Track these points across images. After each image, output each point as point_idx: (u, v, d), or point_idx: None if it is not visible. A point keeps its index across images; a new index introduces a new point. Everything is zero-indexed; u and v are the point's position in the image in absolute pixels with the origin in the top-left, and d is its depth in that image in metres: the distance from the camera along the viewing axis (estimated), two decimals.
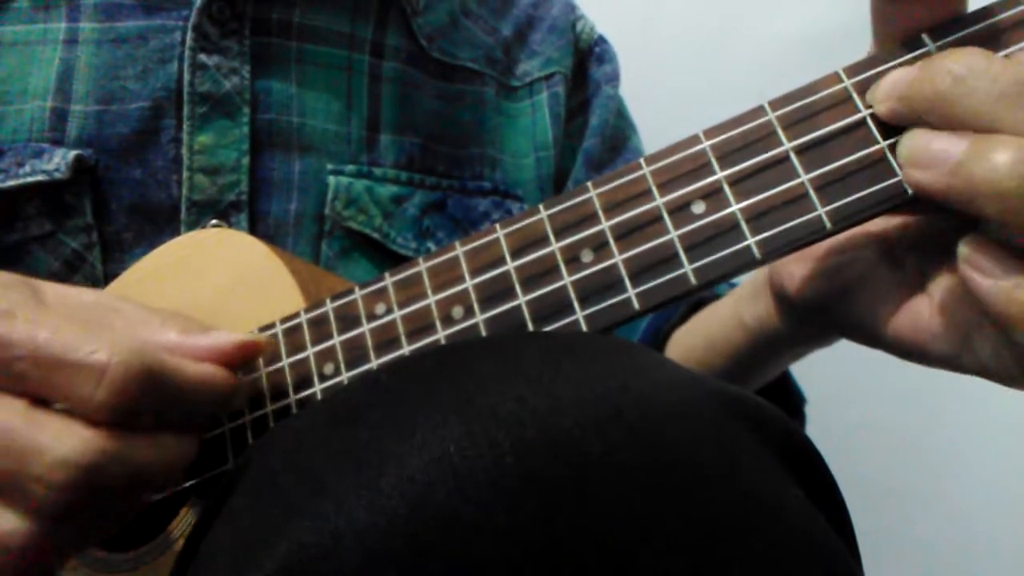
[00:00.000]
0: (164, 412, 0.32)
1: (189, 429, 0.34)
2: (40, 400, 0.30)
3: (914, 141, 0.30)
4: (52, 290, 0.34)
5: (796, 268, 0.41)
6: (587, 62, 0.68)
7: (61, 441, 0.29)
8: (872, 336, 0.38)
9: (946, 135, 0.29)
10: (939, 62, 0.29)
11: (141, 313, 0.35)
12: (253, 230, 0.54)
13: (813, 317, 0.42)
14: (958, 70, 0.28)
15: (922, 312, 0.35)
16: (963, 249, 0.30)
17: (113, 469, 0.30)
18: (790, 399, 0.57)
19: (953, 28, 0.32)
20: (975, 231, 0.30)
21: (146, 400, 0.30)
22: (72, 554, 0.33)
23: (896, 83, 0.31)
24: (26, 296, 0.32)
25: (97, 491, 0.30)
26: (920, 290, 0.36)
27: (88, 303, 0.34)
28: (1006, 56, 0.30)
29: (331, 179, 0.55)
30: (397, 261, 0.56)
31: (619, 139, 0.68)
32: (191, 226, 0.52)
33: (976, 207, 0.28)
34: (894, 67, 0.32)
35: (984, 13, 0.31)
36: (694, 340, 0.55)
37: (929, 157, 0.29)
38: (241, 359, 0.35)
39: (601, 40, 0.69)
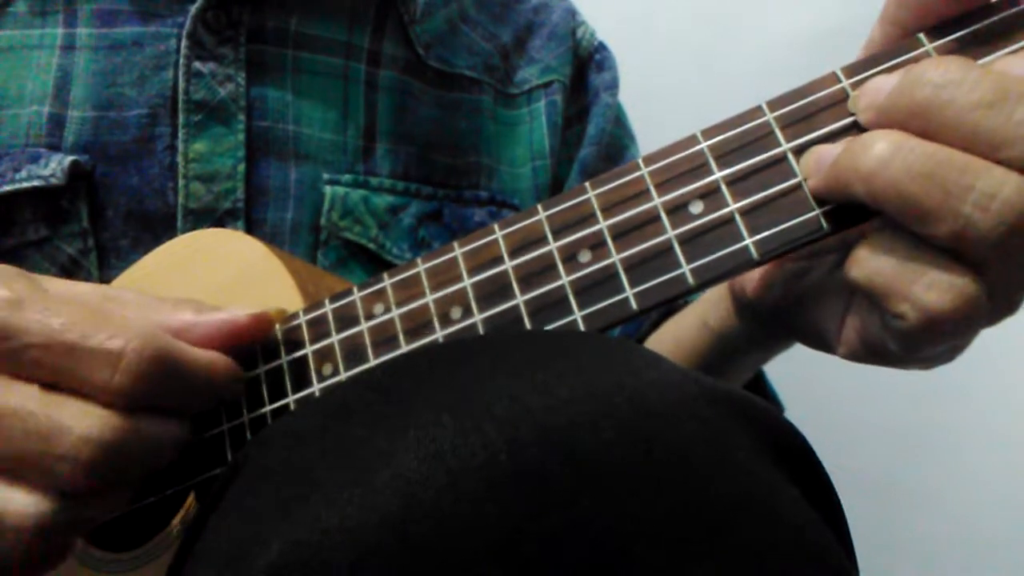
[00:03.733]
0: (176, 394, 0.33)
1: (187, 411, 0.35)
2: (50, 385, 0.31)
3: (807, 155, 0.32)
4: (51, 282, 0.35)
5: (755, 272, 0.41)
6: (587, 69, 0.68)
7: (83, 419, 0.30)
8: (823, 341, 0.39)
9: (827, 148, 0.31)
10: (919, 71, 0.29)
11: (148, 298, 0.36)
12: None
13: (770, 320, 0.43)
14: (938, 79, 0.28)
15: (864, 318, 0.35)
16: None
17: (133, 446, 0.31)
18: None
19: (952, 28, 0.32)
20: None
21: (159, 383, 0.32)
22: (85, 532, 0.34)
23: (877, 92, 0.30)
24: (30, 285, 0.33)
25: (116, 468, 0.31)
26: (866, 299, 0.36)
27: (88, 293, 0.35)
28: (1010, 54, 0.30)
29: (327, 188, 0.55)
30: None
31: (616, 149, 0.67)
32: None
33: (875, 201, 0.29)
34: (892, 68, 0.32)
35: (984, 12, 0.31)
36: (664, 345, 0.56)
37: (815, 162, 0.31)
38: (256, 332, 0.37)
39: (601, 47, 0.69)
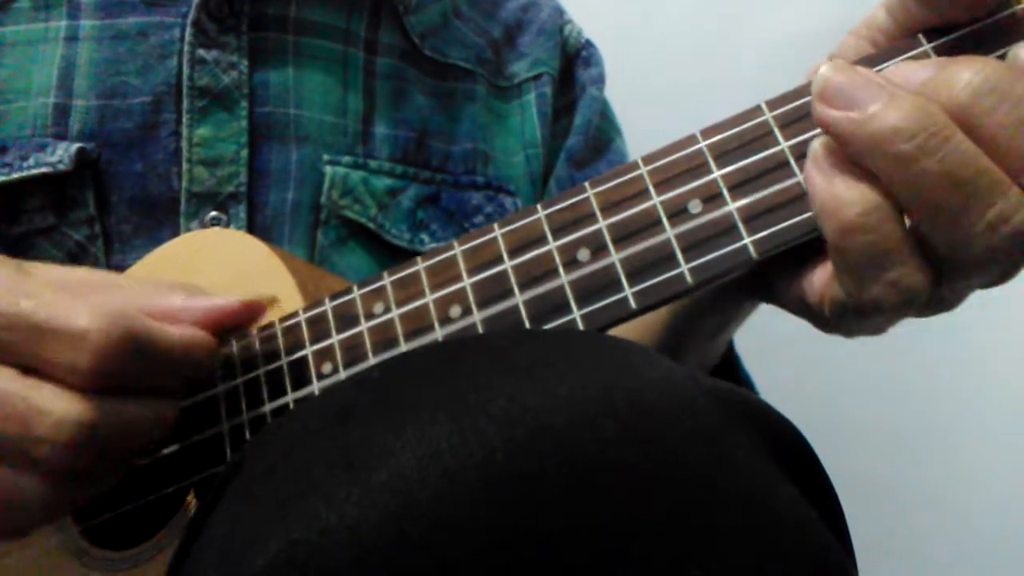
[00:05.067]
0: (151, 373, 0.33)
1: (175, 388, 0.35)
2: (27, 368, 0.31)
3: (829, 76, 0.29)
4: (39, 267, 0.35)
5: None
6: (574, 65, 0.69)
7: (60, 402, 0.31)
8: (778, 295, 0.38)
9: (860, 75, 0.29)
10: (958, 69, 0.28)
11: (141, 284, 0.36)
12: (251, 220, 0.54)
13: (742, 282, 0.42)
14: (979, 83, 0.27)
15: (823, 273, 0.35)
16: (814, 145, 0.30)
17: (113, 427, 0.32)
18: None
19: (949, 29, 0.32)
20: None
21: (130, 364, 0.32)
22: (77, 507, 0.35)
23: (907, 81, 0.29)
24: (10, 269, 0.33)
25: (97, 448, 0.31)
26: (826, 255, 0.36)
27: (80, 277, 0.35)
28: (1000, 56, 0.30)
29: (328, 169, 0.56)
30: (392, 252, 0.57)
31: (602, 140, 0.68)
32: (190, 217, 0.53)
33: (869, 163, 0.28)
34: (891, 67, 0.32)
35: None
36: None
37: (841, 99, 0.29)
38: (245, 317, 0.38)
39: (588, 44, 0.70)
